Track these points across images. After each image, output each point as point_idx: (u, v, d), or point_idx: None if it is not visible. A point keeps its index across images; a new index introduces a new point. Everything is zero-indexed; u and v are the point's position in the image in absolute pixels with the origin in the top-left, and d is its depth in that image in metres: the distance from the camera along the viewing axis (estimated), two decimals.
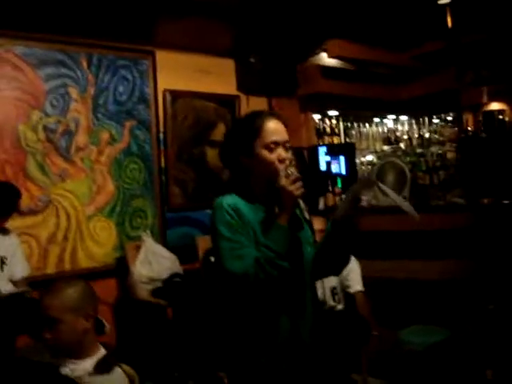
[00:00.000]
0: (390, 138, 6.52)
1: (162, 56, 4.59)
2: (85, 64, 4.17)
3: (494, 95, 5.66)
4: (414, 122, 6.52)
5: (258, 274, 1.79)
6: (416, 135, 6.45)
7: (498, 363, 3.23)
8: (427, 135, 6.38)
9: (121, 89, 4.37)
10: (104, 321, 3.46)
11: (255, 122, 1.95)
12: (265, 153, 1.91)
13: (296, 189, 1.84)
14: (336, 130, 6.06)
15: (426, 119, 6.39)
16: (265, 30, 4.89)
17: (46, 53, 3.97)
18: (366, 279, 3.65)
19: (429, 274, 3.97)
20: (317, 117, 5.91)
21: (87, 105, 4.18)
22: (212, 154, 4.89)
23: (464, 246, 3.76)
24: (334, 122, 6.08)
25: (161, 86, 4.60)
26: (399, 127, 6.68)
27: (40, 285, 3.35)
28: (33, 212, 3.90)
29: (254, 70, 5.03)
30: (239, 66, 5.08)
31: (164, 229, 4.59)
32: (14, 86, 3.87)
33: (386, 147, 6.51)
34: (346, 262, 2.11)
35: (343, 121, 6.22)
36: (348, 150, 5.35)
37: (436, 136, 6.31)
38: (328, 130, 5.98)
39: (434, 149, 6.33)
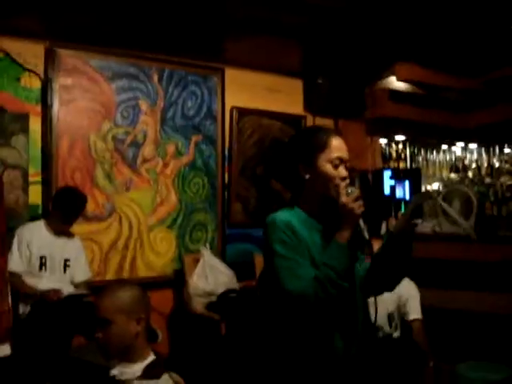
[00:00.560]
0: (458, 167, 6.33)
1: (230, 73, 4.67)
2: (156, 78, 4.29)
3: None
4: (483, 150, 6.33)
5: (317, 294, 1.76)
6: (485, 164, 6.25)
7: None
8: (497, 165, 6.16)
9: (189, 104, 4.46)
10: (157, 330, 3.50)
11: (322, 135, 1.95)
12: (328, 167, 1.90)
13: (357, 207, 1.81)
14: (402, 156, 5.96)
15: (497, 148, 6.18)
16: (333, 51, 4.88)
17: (119, 66, 4.12)
18: (427, 308, 3.54)
19: (492, 306, 3.80)
20: (383, 141, 5.83)
21: (156, 117, 4.29)
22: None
23: None
24: (400, 147, 5.98)
25: (228, 103, 4.67)
26: (468, 155, 6.49)
27: (99, 290, 3.42)
28: (97, 219, 4.02)
29: (321, 91, 5.03)
30: (307, 86, 5.09)
31: (223, 244, 4.62)
32: (89, 97, 4.03)
33: (453, 175, 6.34)
34: (400, 279, 2.06)
35: (410, 146, 6.11)
36: (414, 175, 5.23)
37: (506, 166, 6.09)
38: (394, 155, 5.88)
39: (503, 179, 6.10)
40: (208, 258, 4.16)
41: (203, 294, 3.99)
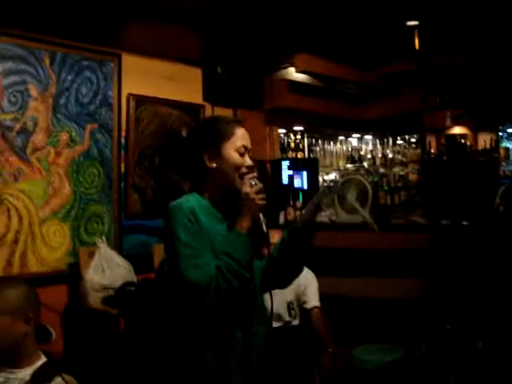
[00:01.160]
0: (354, 157, 6.57)
1: (128, 60, 4.50)
2: (47, 62, 4.04)
3: (457, 119, 5.75)
4: (378, 141, 6.59)
5: (219, 284, 1.73)
6: (379, 155, 6.51)
7: (453, 380, 3.22)
8: (390, 155, 6.44)
9: (84, 90, 4.26)
10: (50, 328, 3.32)
11: (227, 124, 1.94)
12: (235, 155, 1.88)
13: (259, 198, 1.81)
14: (300, 146, 6.07)
15: (390, 140, 6.45)
16: (233, 41, 4.86)
17: (5, 47, 3.83)
18: (322, 296, 3.61)
19: (386, 292, 3.96)
20: (281, 131, 5.90)
21: (47, 104, 4.05)
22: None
23: (422, 266, 3.77)
24: (298, 137, 6.09)
25: (125, 90, 4.50)
26: (363, 146, 6.73)
27: None
28: None
29: (220, 81, 4.99)
30: (206, 75, 5.03)
31: (120, 236, 4.47)
32: None
33: (349, 165, 6.55)
34: (297, 274, 2.08)
35: (308, 137, 6.24)
36: (311, 165, 5.34)
37: (399, 157, 6.38)
38: (292, 145, 5.99)
39: (396, 169, 6.39)
40: (104, 250, 4.00)
41: (100, 288, 3.84)
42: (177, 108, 4.86)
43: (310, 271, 3.55)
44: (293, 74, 5.13)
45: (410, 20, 3.99)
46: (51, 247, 4.07)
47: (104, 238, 4.19)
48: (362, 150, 6.68)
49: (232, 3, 3.94)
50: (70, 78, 4.17)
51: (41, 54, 4.01)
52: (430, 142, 6.07)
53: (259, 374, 1.89)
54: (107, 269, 3.90)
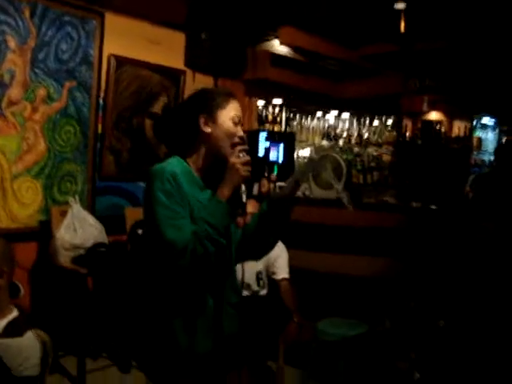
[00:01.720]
0: (330, 134, 6.60)
1: (111, 19, 4.41)
2: (27, 13, 3.94)
3: (434, 105, 5.82)
4: (355, 120, 6.63)
5: (195, 248, 1.76)
6: (355, 134, 6.56)
7: (414, 355, 3.34)
8: (366, 135, 6.50)
9: (64, 46, 4.17)
10: (19, 284, 3.32)
11: (223, 94, 1.98)
12: (229, 123, 1.92)
13: (244, 170, 1.84)
14: (278, 119, 6.08)
15: (367, 120, 6.50)
16: (219, 8, 4.82)
17: None
18: (291, 269, 3.68)
19: (354, 269, 4.03)
20: (260, 103, 5.90)
21: (25, 57, 3.96)
22: (151, 126, 4.79)
23: (391, 246, 3.85)
24: (276, 110, 6.09)
25: (106, 50, 4.42)
26: (340, 124, 6.77)
27: None
28: None
29: (203, 47, 4.95)
30: (189, 40, 4.98)
31: (93, 197, 4.45)
32: None
33: (324, 142, 6.58)
34: (272, 246, 2.12)
35: (286, 110, 6.25)
36: (288, 139, 5.37)
37: (374, 137, 6.44)
38: (270, 117, 5.99)
39: (370, 149, 6.46)
40: (77, 210, 3.98)
41: (70, 247, 3.83)
42: (158, 72, 4.81)
43: (280, 243, 3.60)
44: (276, 46, 5.13)
45: (398, 3, 4.00)
46: (23, 204, 4.03)
47: (77, 197, 4.17)
48: (338, 127, 6.72)
49: None
50: (50, 32, 4.08)
51: (21, 5, 3.90)
52: (406, 125, 6.14)
53: (232, 341, 1.94)
54: (79, 228, 3.89)
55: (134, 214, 4.27)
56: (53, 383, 3.16)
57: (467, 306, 3.05)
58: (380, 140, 6.37)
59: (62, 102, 4.20)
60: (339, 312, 3.83)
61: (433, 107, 5.92)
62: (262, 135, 5.12)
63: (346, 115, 6.71)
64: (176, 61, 4.93)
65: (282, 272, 3.54)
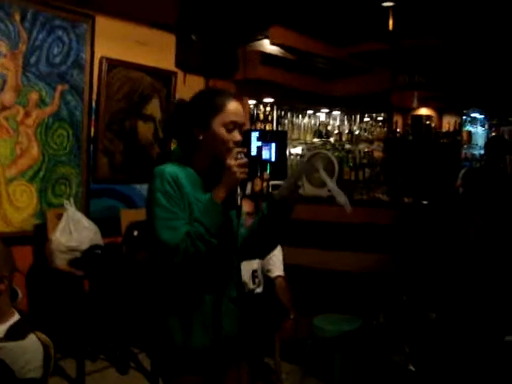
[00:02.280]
0: (321, 132, 6.65)
1: (102, 22, 4.43)
2: (18, 18, 3.95)
3: (423, 101, 5.88)
4: (345, 117, 6.68)
5: (187, 248, 1.81)
6: (346, 131, 6.61)
7: (408, 348, 3.39)
8: (357, 132, 6.55)
9: (55, 50, 4.18)
10: (17, 288, 3.34)
11: (219, 98, 1.97)
12: (222, 131, 1.92)
13: (240, 172, 1.86)
14: (269, 118, 6.12)
15: (358, 117, 6.56)
16: (209, 9, 4.84)
17: None
18: (286, 266, 3.71)
19: (347, 265, 4.08)
20: (252, 102, 5.93)
21: (17, 62, 3.97)
22: (143, 128, 4.82)
23: (383, 241, 3.89)
24: (268, 109, 6.13)
25: (98, 53, 4.44)
26: (331, 121, 6.82)
27: None
28: None
29: (194, 48, 4.96)
30: (180, 41, 4.99)
31: (88, 199, 4.47)
32: None
33: (316, 140, 6.63)
34: (275, 246, 2.17)
35: (277, 109, 6.29)
36: (280, 138, 5.40)
37: (365, 134, 6.49)
38: (261, 116, 6.03)
39: (362, 146, 6.51)
40: (72, 212, 4.00)
41: (66, 249, 3.85)
42: (149, 73, 4.83)
43: None
44: (266, 46, 5.16)
45: (386, 1, 4.04)
46: (17, 207, 4.04)
47: (72, 200, 4.18)
48: (329, 125, 6.77)
49: None
50: (41, 36, 4.08)
51: (11, 8, 3.92)
52: (396, 122, 6.20)
53: (231, 337, 1.98)
54: (74, 231, 3.91)
55: (129, 216, 4.30)
56: None
57: (457, 299, 3.11)
58: (371, 136, 6.43)
59: (54, 105, 4.22)
60: (333, 308, 3.88)
61: (422, 103, 5.98)
62: (254, 135, 5.16)
63: (336, 112, 6.76)
64: (167, 62, 4.95)
65: (277, 270, 3.57)
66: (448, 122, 6.19)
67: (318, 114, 6.80)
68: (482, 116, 6.98)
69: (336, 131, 6.67)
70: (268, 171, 4.80)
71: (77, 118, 4.37)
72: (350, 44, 5.26)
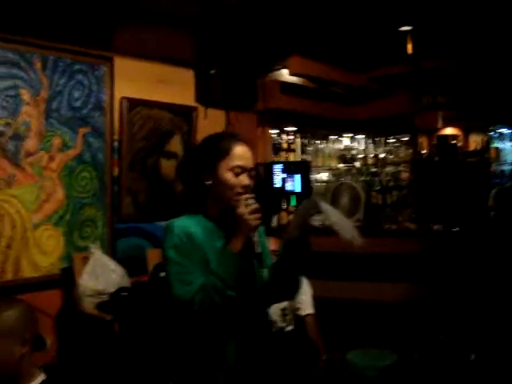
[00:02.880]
0: (346, 157, 6.58)
1: (120, 63, 4.47)
2: (39, 66, 4.01)
3: (448, 121, 5.77)
4: (370, 141, 6.61)
5: (203, 302, 1.75)
6: (371, 155, 6.53)
7: None
8: (382, 155, 6.47)
9: (76, 94, 4.23)
10: (45, 336, 3.32)
11: (224, 142, 1.93)
12: (228, 176, 1.88)
13: (253, 219, 1.81)
14: (292, 146, 6.08)
15: (382, 139, 6.47)
16: (227, 43, 4.85)
17: None
18: (316, 299, 3.64)
19: (379, 295, 3.99)
20: (274, 132, 5.91)
21: (39, 108, 4.03)
22: (166, 165, 4.82)
23: (413, 271, 3.80)
24: (290, 137, 6.09)
25: (118, 94, 4.47)
26: (355, 145, 6.75)
27: None
28: None
29: (213, 82, 4.96)
30: (199, 77, 5.00)
31: (113, 239, 4.46)
32: None
33: (341, 165, 6.56)
34: (299, 286, 2.09)
35: (300, 137, 6.25)
36: (303, 168, 5.35)
37: (391, 156, 6.41)
38: (285, 145, 5.99)
39: (388, 169, 6.42)
40: (98, 255, 4.00)
41: (94, 293, 3.84)
42: (169, 110, 4.85)
43: (304, 278, 3.57)
44: (285, 75, 5.13)
45: (403, 25, 3.99)
46: (44, 252, 4.06)
47: (98, 242, 4.19)
48: (353, 149, 6.70)
49: (225, 6, 3.94)
50: (62, 81, 4.14)
51: (32, 57, 3.98)
52: (421, 143, 6.10)
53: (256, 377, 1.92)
54: (101, 274, 3.90)
55: (155, 256, 4.28)
56: None
57: (499, 338, 2.97)
58: (397, 159, 6.33)
59: (77, 148, 4.25)
60: (365, 340, 3.78)
61: (447, 123, 5.88)
62: (277, 167, 5.12)
63: (360, 136, 6.69)
64: (187, 98, 4.96)
65: (307, 308, 3.50)
66: (475, 140, 6.07)
67: (341, 138, 6.73)
68: (510, 131, 6.83)
69: (361, 155, 6.59)
70: (293, 203, 4.74)
71: (100, 160, 4.39)
72: (369, 69, 5.21)
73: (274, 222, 4.58)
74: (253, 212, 1.81)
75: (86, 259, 4.04)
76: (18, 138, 3.91)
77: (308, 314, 3.49)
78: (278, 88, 5.34)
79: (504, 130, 6.76)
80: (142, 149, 4.67)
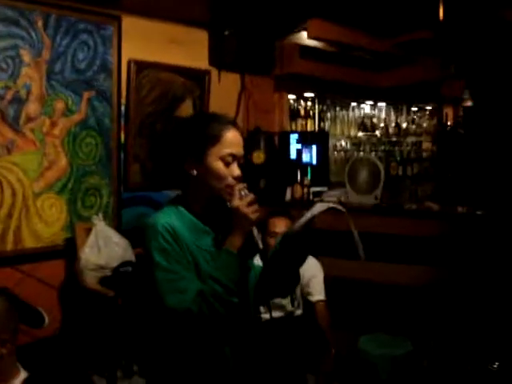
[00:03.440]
0: (366, 125, 6.28)
1: (128, 22, 4.19)
2: (40, 24, 3.75)
3: None
4: (392, 109, 6.30)
5: (202, 311, 1.56)
6: (393, 124, 6.23)
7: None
8: (404, 125, 6.17)
9: (80, 55, 3.98)
10: (43, 313, 3.17)
11: (214, 126, 1.70)
12: (219, 165, 1.67)
13: (252, 212, 1.61)
14: (310, 113, 5.80)
15: (405, 108, 6.17)
16: (243, 2, 4.55)
17: None
18: (331, 278, 3.47)
19: (395, 277, 3.80)
20: (291, 97, 5.63)
21: (41, 70, 3.79)
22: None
23: (435, 254, 3.59)
24: (309, 104, 5.81)
25: (125, 56, 4.21)
26: (376, 113, 6.45)
27: None
28: None
29: (228, 44, 4.70)
30: (213, 38, 4.73)
31: (119, 209, 4.29)
32: None
33: (360, 134, 6.28)
34: (294, 284, 1.92)
35: (319, 104, 5.96)
36: (321, 139, 5.08)
37: (413, 127, 6.11)
38: (302, 112, 5.72)
39: (409, 139, 6.13)
40: (101, 228, 3.81)
41: (96, 267, 3.68)
42: (180, 73, 4.59)
43: (315, 260, 3.38)
44: (305, 38, 4.82)
45: None
46: (47, 222, 3.89)
47: (101, 213, 4.01)
48: (374, 117, 6.39)
49: None
50: (65, 42, 3.89)
51: (33, 15, 3.72)
52: (446, 114, 5.78)
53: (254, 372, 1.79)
54: (104, 247, 3.73)
55: None
56: None
57: None
58: (419, 130, 6.03)
59: (81, 113, 4.03)
60: (378, 324, 3.61)
61: None
62: (293, 137, 4.85)
63: (382, 104, 6.37)
64: (199, 61, 4.70)
65: (318, 293, 3.30)
66: None
67: (362, 106, 6.42)
68: None
69: (382, 124, 6.28)
70: (309, 176, 4.50)
71: (105, 125, 4.17)
72: (395, 34, 4.87)
73: (288, 194, 4.35)
74: (249, 204, 1.61)
75: (88, 230, 3.87)
76: (18, 101, 3.70)
77: (319, 300, 3.30)
78: (297, 52, 5.04)
79: None
80: (151, 114, 4.44)
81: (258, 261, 1.84)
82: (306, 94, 5.71)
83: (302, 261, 1.80)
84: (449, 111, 5.79)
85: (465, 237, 3.44)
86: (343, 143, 6.26)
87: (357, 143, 6.20)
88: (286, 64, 5.05)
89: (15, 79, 3.68)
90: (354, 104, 6.35)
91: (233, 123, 1.75)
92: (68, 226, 3.99)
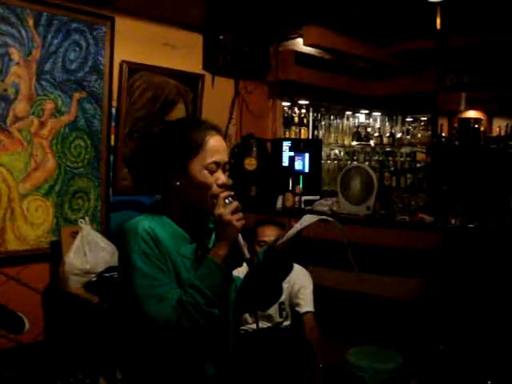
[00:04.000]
0: (360, 134, 6.23)
1: (122, 23, 4.13)
2: (31, 23, 3.69)
3: (472, 103, 5.41)
4: (386, 119, 6.25)
5: (181, 321, 1.49)
6: (387, 134, 6.18)
7: None
8: (399, 135, 6.12)
9: (72, 55, 3.92)
10: (25, 319, 3.08)
11: (195, 133, 1.63)
12: (203, 174, 1.61)
13: (236, 219, 1.55)
14: (304, 121, 5.75)
15: (400, 118, 6.12)
16: (239, 6, 4.49)
17: None
18: (318, 287, 3.40)
19: (386, 289, 3.74)
20: (285, 104, 5.58)
21: (31, 69, 3.72)
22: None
23: (426, 266, 3.54)
24: (303, 111, 5.76)
25: (118, 57, 4.15)
26: (371, 123, 6.40)
27: None
28: None
29: (223, 49, 4.64)
30: (207, 42, 4.68)
31: (108, 213, 4.21)
32: None
33: (354, 143, 6.23)
34: (275, 297, 1.83)
35: (313, 111, 5.91)
36: (314, 147, 5.02)
37: (408, 137, 6.06)
38: (296, 119, 5.67)
39: (404, 150, 6.09)
40: (87, 232, 3.74)
41: (80, 272, 3.60)
42: (173, 77, 4.53)
43: (305, 271, 3.31)
44: (301, 45, 4.77)
45: None
46: (32, 224, 3.81)
47: (87, 217, 3.93)
48: (369, 126, 6.35)
49: None
50: (56, 41, 3.82)
51: (24, 13, 3.66)
52: (441, 125, 5.74)
53: None
54: (89, 252, 3.66)
55: None
56: None
57: None
58: (414, 140, 5.98)
59: (71, 114, 3.96)
60: (366, 335, 3.55)
61: (471, 105, 5.51)
62: (286, 144, 4.79)
63: (377, 113, 6.33)
64: (193, 65, 4.65)
65: (307, 305, 3.22)
66: (499, 126, 5.69)
67: (356, 114, 6.37)
68: None
69: (376, 134, 6.23)
70: (301, 185, 4.43)
71: (95, 127, 4.11)
72: (391, 43, 4.83)
73: (279, 203, 4.29)
74: (234, 212, 1.55)
75: (75, 234, 3.79)
76: (5, 100, 3.63)
77: (307, 312, 3.22)
78: (292, 58, 5.00)
79: None
80: (142, 117, 4.38)
81: (243, 272, 1.77)
82: (301, 101, 5.66)
83: (286, 275, 1.75)
84: (444, 122, 5.75)
85: (457, 249, 3.39)
86: (337, 152, 6.21)
87: (350, 152, 6.14)
88: (281, 70, 5.01)
89: (3, 77, 3.61)
90: (348, 112, 6.30)
91: (215, 128, 1.68)
92: (54, 228, 3.91)
